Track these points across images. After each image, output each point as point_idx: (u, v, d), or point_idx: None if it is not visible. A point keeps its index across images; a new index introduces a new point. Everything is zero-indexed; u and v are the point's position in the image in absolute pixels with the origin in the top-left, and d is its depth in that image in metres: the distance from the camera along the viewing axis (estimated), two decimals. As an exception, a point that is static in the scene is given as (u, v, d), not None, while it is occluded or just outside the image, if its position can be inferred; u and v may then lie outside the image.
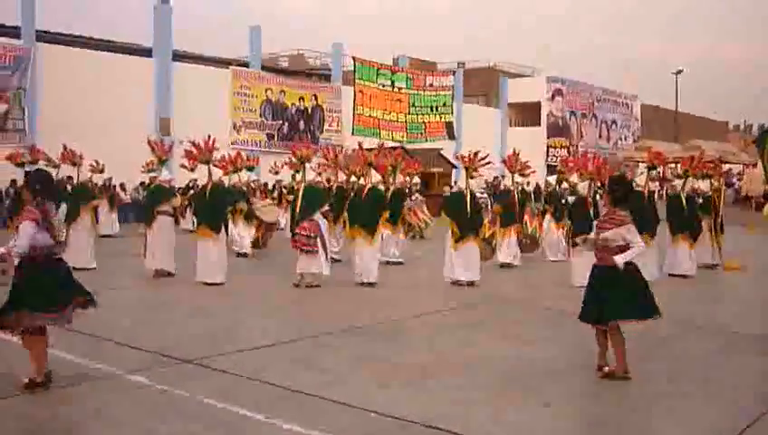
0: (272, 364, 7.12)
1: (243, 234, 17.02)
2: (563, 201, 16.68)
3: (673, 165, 16.56)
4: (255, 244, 17.16)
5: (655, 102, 59.17)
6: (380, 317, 9.76)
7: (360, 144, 15.69)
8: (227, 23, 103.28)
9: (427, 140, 35.81)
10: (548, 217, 17.23)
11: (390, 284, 12.83)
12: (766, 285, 14.29)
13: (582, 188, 14.17)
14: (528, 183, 20.67)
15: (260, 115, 33.40)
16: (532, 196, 18.54)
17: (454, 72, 40.38)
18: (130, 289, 12.15)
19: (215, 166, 13.73)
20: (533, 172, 16.65)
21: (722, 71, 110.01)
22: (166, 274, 13.12)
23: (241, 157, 16.54)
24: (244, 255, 16.58)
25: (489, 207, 18.94)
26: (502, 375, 6.95)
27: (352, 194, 13.97)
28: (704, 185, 17.17)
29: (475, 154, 13.16)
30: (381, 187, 14.61)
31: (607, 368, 6.93)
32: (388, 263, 15.00)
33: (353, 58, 34.59)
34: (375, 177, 14.93)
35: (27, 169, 16.18)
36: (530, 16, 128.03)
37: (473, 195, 13.35)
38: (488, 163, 13.34)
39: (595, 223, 7.32)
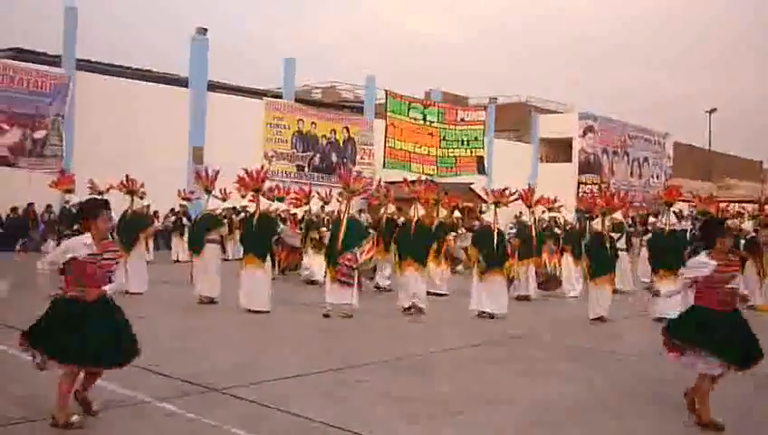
0: (297, 395, 7.16)
1: (312, 262, 17.33)
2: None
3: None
4: (283, 269, 17.71)
5: (688, 141, 58.82)
6: (406, 351, 9.77)
7: (379, 180, 16.04)
8: (262, 54, 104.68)
9: (457, 175, 35.80)
10: (566, 254, 17.16)
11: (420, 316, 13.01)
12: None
13: (597, 223, 14.22)
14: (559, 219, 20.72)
15: (291, 146, 33.71)
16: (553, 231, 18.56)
17: (486, 108, 40.48)
18: (163, 316, 12.27)
19: (263, 196, 13.96)
20: (561, 206, 16.88)
21: (756, 109, 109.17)
22: (209, 301, 13.34)
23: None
24: (313, 282, 16.87)
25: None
26: (525, 413, 6.92)
27: (400, 226, 14.55)
28: (747, 225, 17.12)
29: (504, 190, 13.66)
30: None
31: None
32: (429, 294, 15.10)
33: (386, 91, 34.82)
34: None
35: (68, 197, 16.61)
36: (561, 53, 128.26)
37: (500, 229, 13.61)
38: (517, 199, 13.62)
39: (715, 267, 6.66)
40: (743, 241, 15.93)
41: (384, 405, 7.01)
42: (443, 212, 17.65)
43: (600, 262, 13.51)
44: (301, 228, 21.44)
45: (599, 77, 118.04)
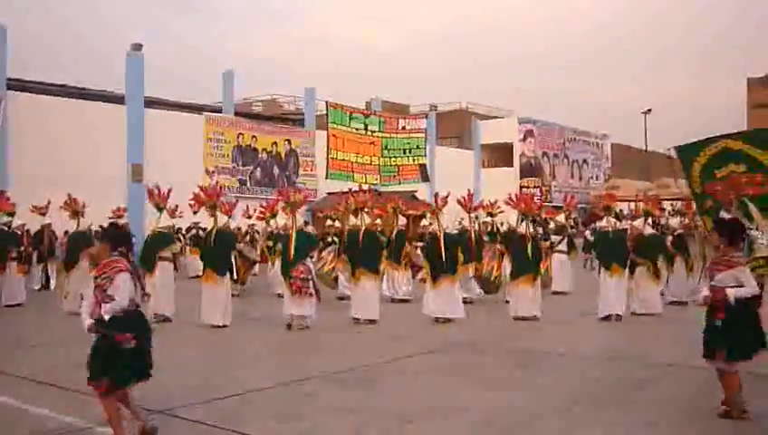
0: (249, 413, 7.02)
1: (400, 279, 17.23)
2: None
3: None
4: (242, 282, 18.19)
5: (625, 142, 59.92)
6: (358, 362, 9.68)
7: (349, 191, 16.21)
8: (200, 69, 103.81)
9: (400, 183, 35.92)
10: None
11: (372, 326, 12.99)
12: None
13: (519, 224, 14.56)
14: (502, 223, 20.89)
15: (232, 160, 33.40)
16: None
17: (426, 115, 40.69)
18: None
19: (221, 212, 13.92)
20: (501, 212, 17.18)
21: (688, 111, 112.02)
22: (163, 318, 13.15)
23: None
24: (405, 300, 16.79)
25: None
26: (476, 422, 6.88)
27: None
28: (673, 222, 17.40)
29: (446, 197, 14.16)
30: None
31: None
32: (393, 301, 16.42)
33: (326, 102, 34.76)
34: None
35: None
36: (499, 56, 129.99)
37: (446, 236, 13.84)
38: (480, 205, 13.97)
39: (706, 266, 7.34)
40: (669, 238, 16.14)
41: (337, 419, 6.91)
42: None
43: (520, 263, 13.89)
44: (246, 242, 21.39)
45: (537, 82, 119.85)
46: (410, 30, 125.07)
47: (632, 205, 17.34)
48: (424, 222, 17.96)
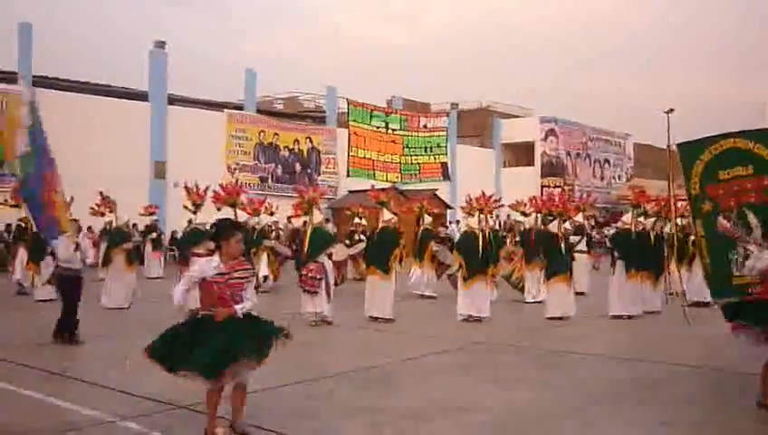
0: (267, 410, 7.08)
1: (425, 276, 17.51)
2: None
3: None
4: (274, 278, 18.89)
5: (648, 141, 59.51)
6: (374, 361, 9.73)
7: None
8: (224, 66, 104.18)
9: (421, 181, 35.96)
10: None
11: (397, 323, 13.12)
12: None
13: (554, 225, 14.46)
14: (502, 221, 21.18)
15: (253, 158, 33.59)
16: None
17: (448, 114, 40.66)
18: (134, 334, 12.11)
19: (240, 209, 14.09)
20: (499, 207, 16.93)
21: (712, 109, 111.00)
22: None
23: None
24: (431, 296, 17.09)
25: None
26: (494, 422, 6.92)
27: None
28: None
29: (485, 196, 14.15)
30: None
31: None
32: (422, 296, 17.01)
33: (347, 100, 34.84)
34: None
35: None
36: (518, 56, 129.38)
37: (485, 235, 13.77)
38: (501, 205, 14.32)
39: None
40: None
41: (352, 418, 6.97)
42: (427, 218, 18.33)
43: (553, 262, 13.85)
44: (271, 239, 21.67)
45: (557, 81, 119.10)
46: (430, 27, 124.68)
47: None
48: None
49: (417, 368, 9.54)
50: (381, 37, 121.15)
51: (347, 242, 19.06)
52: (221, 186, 13.78)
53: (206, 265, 6.15)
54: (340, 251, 18.46)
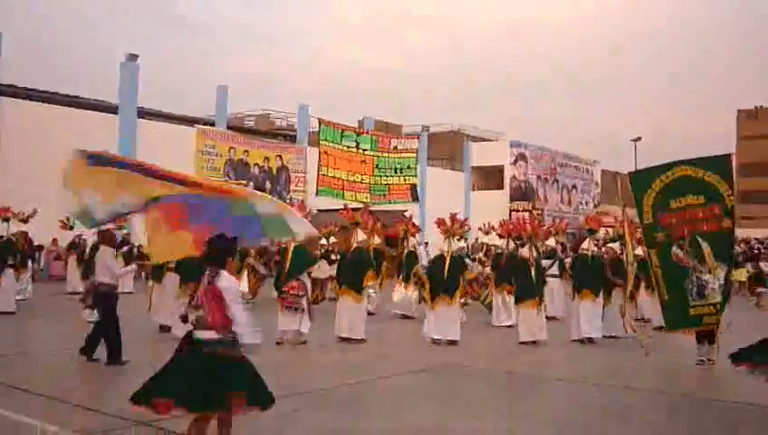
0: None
1: (413, 296, 17.33)
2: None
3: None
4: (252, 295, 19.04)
5: (615, 169, 60.20)
6: (341, 381, 9.62)
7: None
8: (195, 82, 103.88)
9: (390, 202, 35.91)
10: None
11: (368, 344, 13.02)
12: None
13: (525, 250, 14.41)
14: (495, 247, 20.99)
15: (223, 174, 33.37)
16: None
17: (418, 136, 40.76)
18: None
19: None
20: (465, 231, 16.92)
21: (677, 141, 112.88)
22: (168, 329, 13.05)
23: None
24: (411, 317, 17.02)
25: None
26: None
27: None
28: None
29: (453, 217, 13.99)
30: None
31: None
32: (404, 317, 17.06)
33: (318, 120, 34.78)
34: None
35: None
36: (490, 82, 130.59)
37: (453, 258, 13.70)
38: (469, 228, 14.03)
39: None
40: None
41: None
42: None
43: (522, 287, 13.82)
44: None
45: (528, 110, 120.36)
46: (405, 52, 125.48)
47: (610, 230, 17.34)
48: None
49: (385, 390, 9.44)
50: (357, 60, 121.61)
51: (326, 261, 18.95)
52: None
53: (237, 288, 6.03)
54: (323, 268, 18.35)
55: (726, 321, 10.53)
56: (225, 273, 5.87)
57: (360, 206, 29.17)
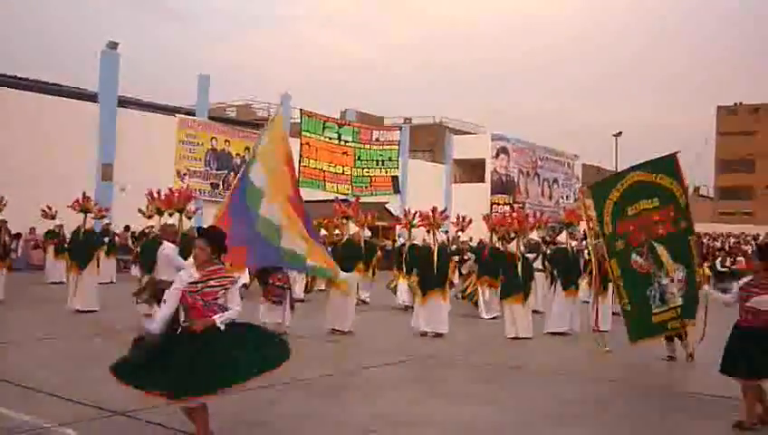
0: (209, 419, 6.94)
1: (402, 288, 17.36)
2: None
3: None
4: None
5: (596, 163, 60.53)
6: (325, 371, 9.64)
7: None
8: (176, 71, 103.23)
9: (372, 194, 35.90)
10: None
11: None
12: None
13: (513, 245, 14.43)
14: (471, 239, 20.91)
15: (205, 164, 33.23)
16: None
17: (400, 128, 40.74)
18: (68, 338, 11.83)
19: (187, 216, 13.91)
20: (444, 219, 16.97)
21: (660, 135, 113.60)
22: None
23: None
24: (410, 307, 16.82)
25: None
26: None
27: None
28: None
29: (435, 210, 13.90)
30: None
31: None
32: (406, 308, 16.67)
33: (300, 110, 34.68)
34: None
35: None
36: (474, 75, 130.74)
37: (440, 250, 13.67)
38: (447, 217, 14.25)
39: (739, 285, 7.53)
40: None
41: (298, 427, 6.88)
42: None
43: (509, 282, 13.76)
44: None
45: (509, 101, 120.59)
46: (389, 42, 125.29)
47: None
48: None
49: (366, 380, 9.48)
50: (341, 50, 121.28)
51: None
52: (170, 190, 13.55)
53: (183, 274, 6.01)
54: None
55: (700, 333, 10.32)
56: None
57: (344, 197, 29.24)
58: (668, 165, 10.85)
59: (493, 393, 8.85)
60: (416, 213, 15.32)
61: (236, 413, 7.23)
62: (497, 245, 15.90)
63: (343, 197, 29.85)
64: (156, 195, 14.02)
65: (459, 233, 18.88)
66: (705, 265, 26.22)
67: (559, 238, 15.07)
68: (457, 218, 17.83)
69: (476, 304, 16.79)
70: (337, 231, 18.81)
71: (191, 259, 6.26)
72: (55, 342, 11.35)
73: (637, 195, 10.80)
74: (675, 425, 7.67)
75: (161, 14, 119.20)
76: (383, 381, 9.42)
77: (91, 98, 29.79)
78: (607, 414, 8.00)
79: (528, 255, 14.87)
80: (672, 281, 10.43)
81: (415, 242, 16.74)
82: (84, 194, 15.82)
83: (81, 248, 15.51)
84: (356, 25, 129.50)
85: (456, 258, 17.85)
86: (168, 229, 10.91)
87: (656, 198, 10.69)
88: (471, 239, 20.93)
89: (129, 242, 23.24)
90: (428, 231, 14.01)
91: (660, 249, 10.52)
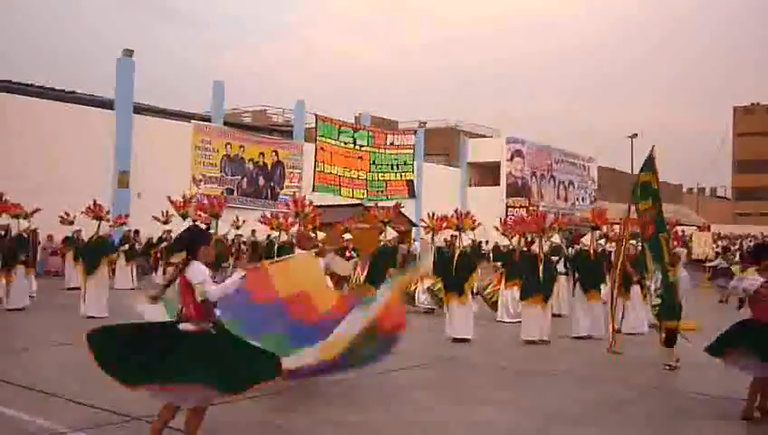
0: (225, 424, 6.94)
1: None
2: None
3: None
4: None
5: (611, 165, 60.25)
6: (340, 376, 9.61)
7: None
8: (192, 78, 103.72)
9: (387, 198, 35.88)
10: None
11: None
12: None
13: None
14: (487, 242, 20.85)
15: (220, 170, 33.31)
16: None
17: (415, 132, 40.74)
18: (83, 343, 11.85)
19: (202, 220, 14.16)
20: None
21: (675, 137, 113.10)
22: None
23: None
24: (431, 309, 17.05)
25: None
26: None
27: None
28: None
29: (467, 214, 13.91)
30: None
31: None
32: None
33: (315, 115, 34.75)
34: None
35: None
36: (488, 78, 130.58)
37: (462, 253, 13.55)
38: (480, 224, 14.24)
39: (759, 282, 7.71)
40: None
41: (315, 432, 6.86)
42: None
43: (529, 284, 13.60)
44: (233, 253, 21.37)
45: (524, 104, 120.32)
46: (402, 47, 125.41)
47: (615, 227, 17.20)
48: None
49: (383, 383, 9.43)
50: (354, 54, 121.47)
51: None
52: (207, 196, 14.01)
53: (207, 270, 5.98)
54: (341, 265, 18.05)
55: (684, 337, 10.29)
56: (194, 262, 5.88)
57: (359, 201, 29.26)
58: (648, 161, 11.04)
59: (510, 397, 8.79)
60: (441, 217, 15.21)
61: (252, 419, 7.23)
62: (523, 247, 15.78)
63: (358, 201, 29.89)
64: (177, 202, 14.25)
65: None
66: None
67: (583, 241, 14.89)
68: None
69: (495, 304, 16.70)
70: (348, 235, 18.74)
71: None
72: (71, 347, 11.37)
73: (641, 195, 10.99)
74: (696, 431, 7.60)
75: (174, 21, 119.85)
76: (400, 384, 9.36)
77: (108, 105, 29.95)
78: (626, 417, 7.93)
79: (551, 257, 14.69)
80: (652, 281, 10.55)
81: (439, 245, 16.67)
82: (95, 201, 15.93)
83: (89, 254, 15.71)
84: (369, 29, 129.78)
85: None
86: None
87: (650, 197, 10.81)
88: (486, 243, 20.88)
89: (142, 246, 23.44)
90: (452, 236, 13.97)
91: (647, 250, 10.72)
